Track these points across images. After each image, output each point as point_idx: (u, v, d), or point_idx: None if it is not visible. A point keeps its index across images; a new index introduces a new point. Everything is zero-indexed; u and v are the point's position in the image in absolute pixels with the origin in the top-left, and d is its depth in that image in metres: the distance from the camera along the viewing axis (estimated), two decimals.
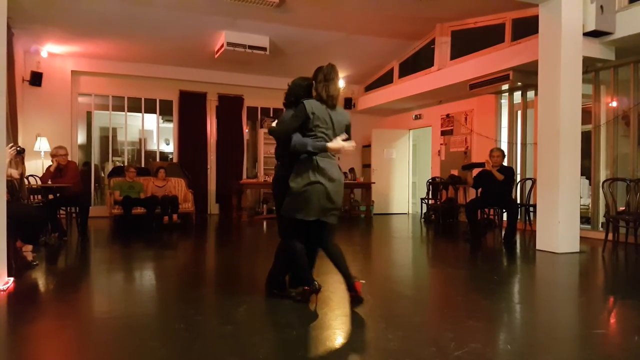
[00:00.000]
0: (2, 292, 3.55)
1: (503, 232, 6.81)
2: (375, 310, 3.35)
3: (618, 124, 6.86)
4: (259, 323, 3.03)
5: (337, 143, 3.26)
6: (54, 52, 9.01)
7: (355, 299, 3.28)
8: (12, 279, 3.81)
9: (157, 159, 10.59)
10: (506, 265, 5.36)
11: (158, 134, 10.87)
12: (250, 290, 3.95)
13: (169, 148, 11.77)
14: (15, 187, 5.09)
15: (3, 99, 3.77)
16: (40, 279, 4.27)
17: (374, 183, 10.73)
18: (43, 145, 8.64)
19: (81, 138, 10.19)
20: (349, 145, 3.30)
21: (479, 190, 7.05)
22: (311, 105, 3.25)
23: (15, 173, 4.92)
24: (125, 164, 9.93)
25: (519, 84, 7.70)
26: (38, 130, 8.84)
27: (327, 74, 3.31)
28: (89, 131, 10.37)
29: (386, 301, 3.63)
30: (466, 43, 8.29)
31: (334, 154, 3.34)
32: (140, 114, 10.27)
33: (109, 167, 10.26)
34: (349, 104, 11.48)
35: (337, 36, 8.75)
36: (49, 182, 6.39)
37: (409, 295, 3.88)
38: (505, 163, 6.94)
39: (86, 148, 10.47)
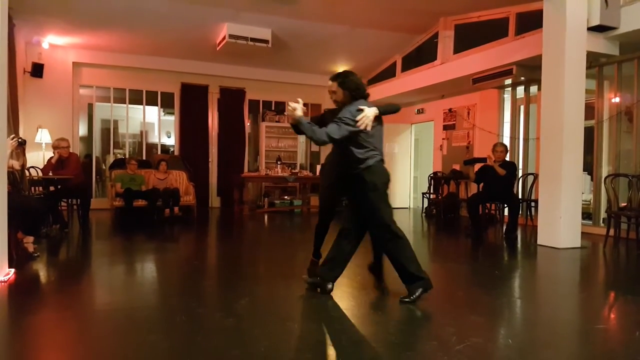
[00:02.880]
0: (3, 283, 3.55)
1: (504, 227, 6.80)
2: (376, 303, 3.34)
3: (621, 120, 6.82)
4: (260, 316, 3.03)
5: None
6: (56, 44, 8.98)
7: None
8: (13, 270, 3.82)
9: (159, 152, 10.58)
10: (507, 261, 5.35)
11: (159, 126, 10.85)
12: (252, 283, 3.95)
13: (171, 141, 11.77)
14: (16, 179, 5.08)
15: (4, 90, 3.75)
16: (41, 270, 4.28)
17: None
18: (44, 136, 8.63)
19: (82, 130, 10.17)
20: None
21: (481, 185, 7.03)
22: None
23: (16, 164, 4.92)
24: (127, 156, 9.93)
25: (522, 78, 7.67)
26: (39, 121, 8.82)
27: None
28: (90, 123, 10.36)
29: (387, 295, 3.63)
30: (470, 37, 8.23)
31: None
32: (141, 107, 10.25)
33: (110, 159, 10.25)
34: None
35: (339, 29, 8.70)
36: (50, 174, 6.39)
37: None
38: (507, 158, 6.92)
39: (87, 140, 10.46)
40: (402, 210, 10.82)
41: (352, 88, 3.40)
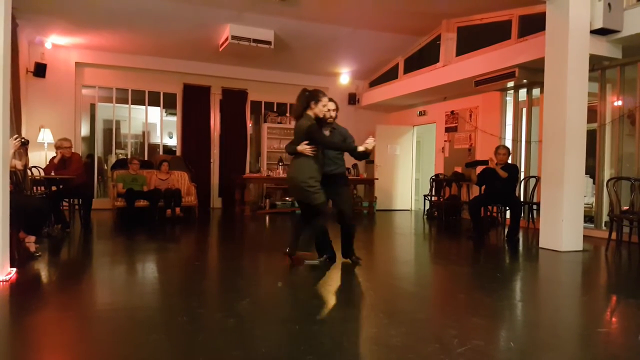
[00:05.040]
0: (4, 283, 3.55)
1: (506, 230, 6.79)
2: (378, 306, 3.34)
3: (623, 123, 6.81)
4: (261, 317, 3.03)
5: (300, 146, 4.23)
6: (58, 44, 9.00)
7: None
8: (14, 269, 3.82)
9: (161, 152, 10.59)
10: (509, 263, 5.34)
11: (161, 127, 10.86)
12: (253, 283, 3.95)
13: (173, 141, 11.78)
14: (18, 178, 5.09)
15: (7, 90, 3.76)
16: (42, 270, 4.28)
17: (377, 179, 10.71)
18: (46, 136, 8.64)
19: (84, 130, 10.19)
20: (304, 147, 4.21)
21: (483, 187, 7.02)
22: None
23: (19, 164, 4.93)
24: (129, 156, 9.94)
25: (525, 81, 7.67)
26: (41, 121, 8.84)
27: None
28: (92, 123, 10.38)
29: (389, 297, 3.62)
30: (472, 39, 8.24)
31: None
32: (143, 107, 10.27)
33: (112, 159, 10.27)
34: (352, 99, 11.45)
35: (342, 31, 8.71)
36: (52, 174, 6.39)
37: (412, 292, 3.87)
38: (509, 161, 6.91)
39: (89, 140, 10.48)
40: (403, 213, 10.82)
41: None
